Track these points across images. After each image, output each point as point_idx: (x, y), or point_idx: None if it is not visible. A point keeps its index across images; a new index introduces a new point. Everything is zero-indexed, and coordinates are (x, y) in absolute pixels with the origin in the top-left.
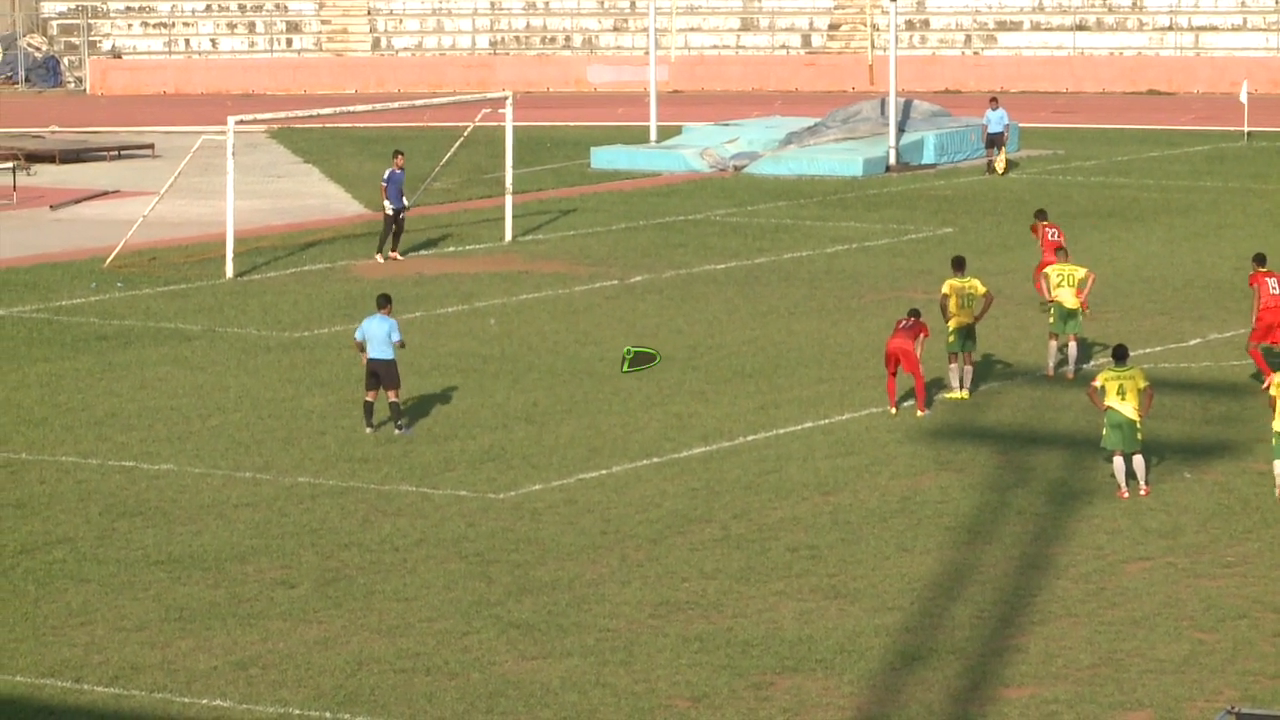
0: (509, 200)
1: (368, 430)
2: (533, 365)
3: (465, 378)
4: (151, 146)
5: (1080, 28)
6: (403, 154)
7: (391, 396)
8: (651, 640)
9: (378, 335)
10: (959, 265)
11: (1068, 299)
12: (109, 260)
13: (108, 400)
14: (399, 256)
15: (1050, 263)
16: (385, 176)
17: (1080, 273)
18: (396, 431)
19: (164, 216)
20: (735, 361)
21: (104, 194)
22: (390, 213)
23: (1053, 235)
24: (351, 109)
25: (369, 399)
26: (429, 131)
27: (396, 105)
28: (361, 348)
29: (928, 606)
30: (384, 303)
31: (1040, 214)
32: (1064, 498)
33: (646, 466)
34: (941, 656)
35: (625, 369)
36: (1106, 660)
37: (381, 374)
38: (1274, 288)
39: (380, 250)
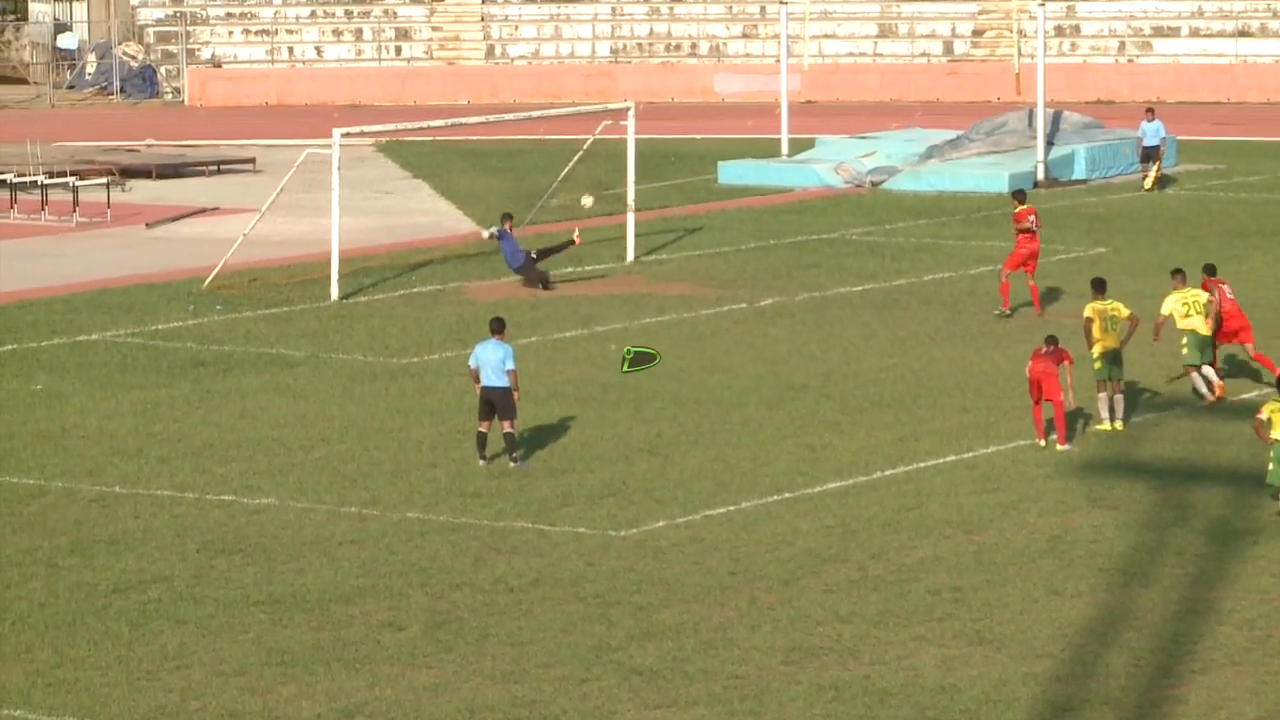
0: (631, 218)
1: (481, 463)
2: (656, 394)
3: (584, 407)
4: (252, 161)
5: (1243, 34)
6: (512, 218)
7: (506, 427)
8: (783, 688)
9: (491, 362)
10: (1100, 287)
11: (1201, 327)
12: (207, 281)
13: (205, 430)
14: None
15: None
16: (495, 233)
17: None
18: (511, 464)
19: (265, 235)
20: (872, 390)
21: (202, 211)
22: (521, 269)
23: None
24: (464, 121)
25: (482, 429)
26: (546, 144)
27: (512, 117)
28: (476, 376)
29: (1079, 654)
30: (498, 327)
31: (1209, 269)
32: (1226, 537)
33: (777, 502)
34: (1094, 708)
35: (625, 369)
36: (1274, 712)
37: (496, 403)
38: None
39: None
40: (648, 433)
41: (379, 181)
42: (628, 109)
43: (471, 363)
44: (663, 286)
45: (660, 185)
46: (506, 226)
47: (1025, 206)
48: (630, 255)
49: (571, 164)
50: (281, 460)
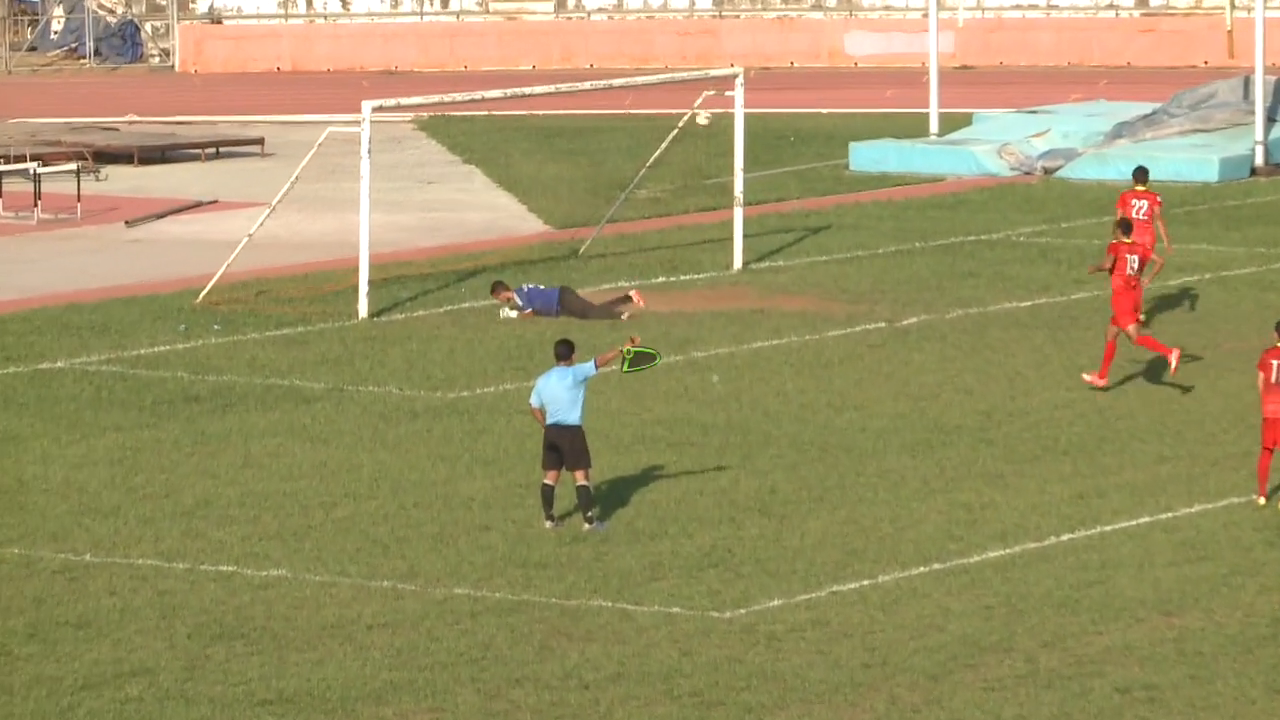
0: (739, 214)
1: (548, 525)
2: (770, 437)
3: (679, 454)
4: (260, 142)
5: None
6: (504, 290)
7: (580, 478)
8: None
9: (558, 395)
10: None
11: None
12: (203, 295)
13: (200, 483)
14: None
15: None
16: (525, 293)
17: None
18: (586, 527)
19: (276, 236)
20: (1044, 433)
21: (196, 206)
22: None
23: None
24: (528, 91)
25: (548, 481)
26: (631, 122)
27: (588, 86)
28: (540, 415)
29: None
30: (565, 352)
31: None
32: None
33: (924, 576)
34: None
35: (625, 369)
36: None
37: (564, 448)
38: None
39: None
40: (759, 487)
41: (420, 168)
42: (735, 76)
43: (534, 399)
44: (779, 301)
45: (776, 172)
46: (503, 297)
47: (1145, 188)
48: (738, 261)
49: (663, 146)
50: (296, 521)
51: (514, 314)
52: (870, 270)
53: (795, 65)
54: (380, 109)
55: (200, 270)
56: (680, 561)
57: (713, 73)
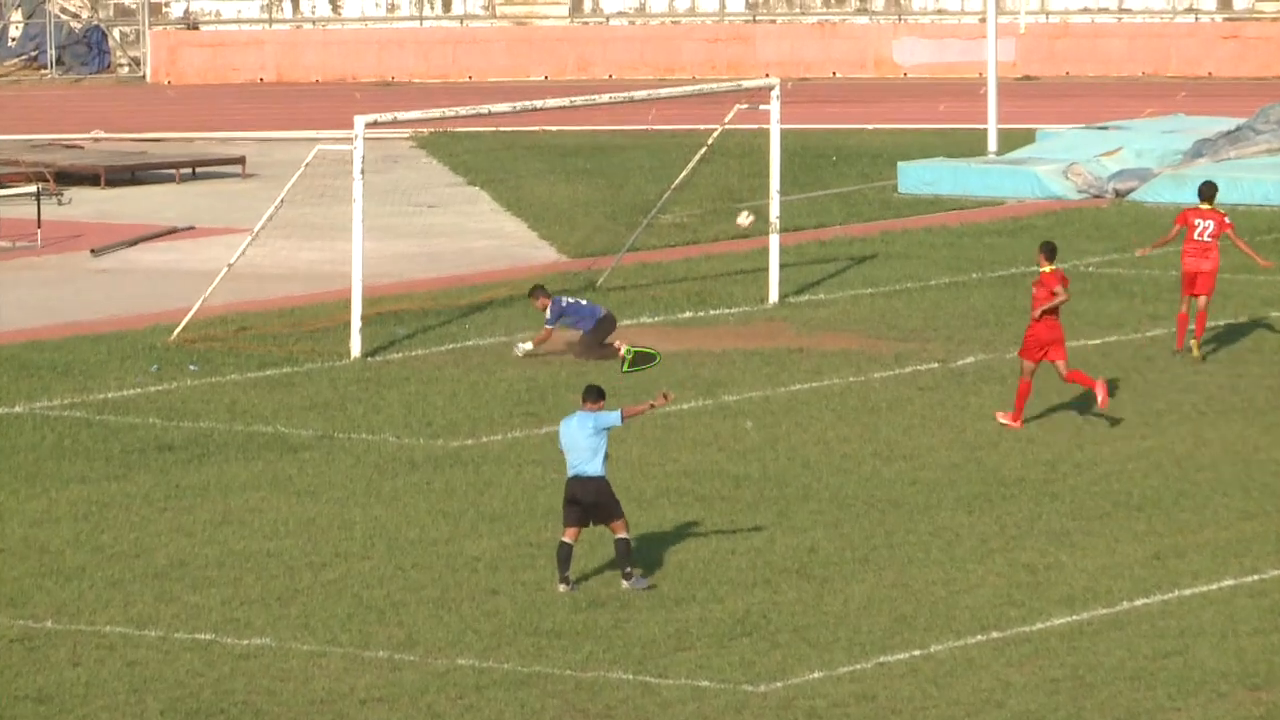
0: (774, 242)
1: (561, 587)
2: (809, 490)
3: (708, 509)
4: (241, 161)
5: None
6: (545, 295)
7: (618, 530)
8: None
9: (578, 442)
10: None
11: None
12: (177, 331)
13: (174, 541)
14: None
15: None
16: (561, 307)
17: None
18: (625, 584)
19: (259, 266)
20: (1116, 486)
21: (171, 232)
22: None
23: None
24: (540, 104)
25: (566, 539)
26: (654, 140)
27: (606, 99)
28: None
29: None
30: (593, 395)
31: None
32: None
33: (982, 645)
34: None
35: (625, 369)
36: None
37: (585, 502)
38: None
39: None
40: (798, 546)
41: (420, 190)
42: (770, 88)
43: (561, 444)
44: (819, 339)
45: (816, 195)
46: (541, 303)
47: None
48: (774, 294)
49: (691, 166)
50: (281, 584)
51: (528, 346)
52: (921, 304)
53: (837, 75)
54: (375, 124)
55: (174, 304)
56: (709, 629)
57: (746, 84)
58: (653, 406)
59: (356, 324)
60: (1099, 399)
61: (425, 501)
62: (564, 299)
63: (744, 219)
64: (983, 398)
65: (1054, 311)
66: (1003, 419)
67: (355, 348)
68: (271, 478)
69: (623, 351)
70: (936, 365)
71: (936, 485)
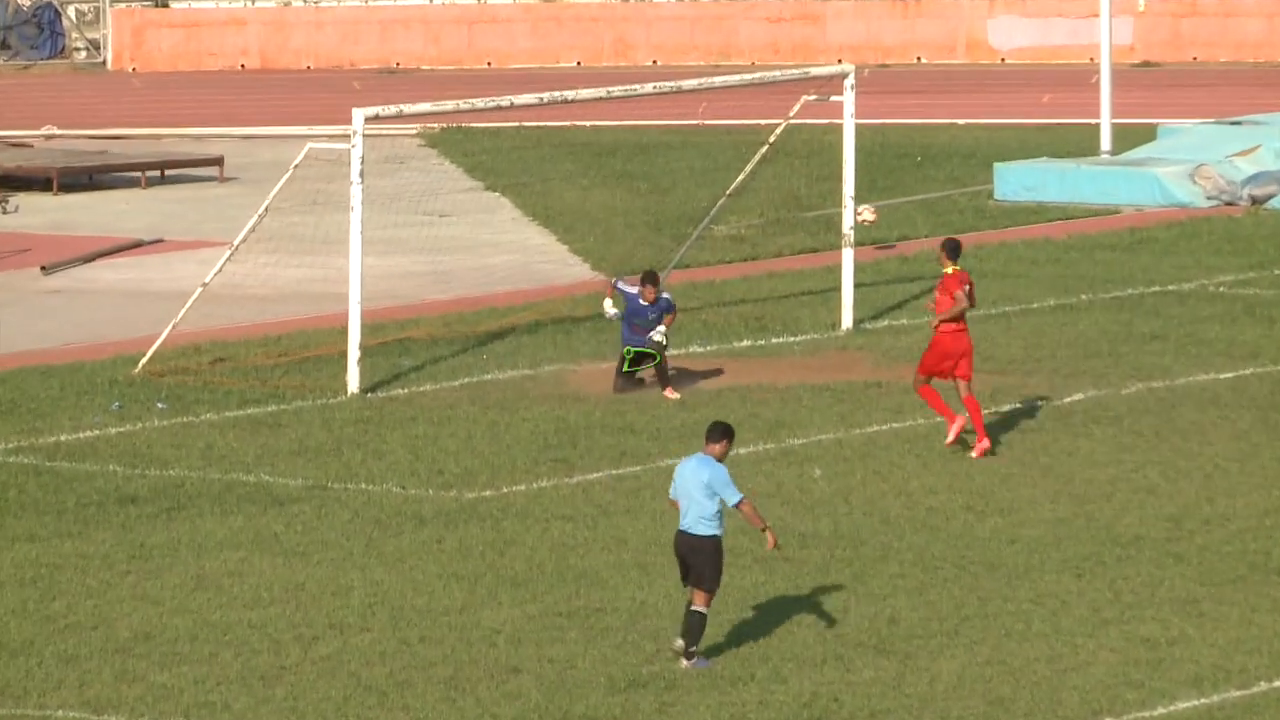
0: (848, 257)
1: (684, 663)
2: (889, 550)
3: (769, 572)
4: (219, 162)
5: None
6: (656, 285)
7: (697, 602)
8: None
9: (689, 491)
10: None
11: None
12: (143, 363)
13: (139, 610)
14: (674, 394)
15: None
16: (624, 292)
17: None
18: (684, 663)
19: (240, 286)
20: (1251, 546)
21: (135, 245)
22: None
23: None
24: (571, 96)
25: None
26: (706, 137)
27: (650, 89)
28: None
29: None
30: (715, 436)
31: None
32: None
33: None
34: None
35: (625, 369)
36: None
37: (692, 562)
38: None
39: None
40: (876, 616)
41: (429, 196)
42: (843, 76)
43: (671, 490)
44: (900, 371)
45: (898, 202)
46: (645, 295)
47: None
48: (847, 319)
49: (749, 168)
50: (265, 661)
51: (614, 313)
52: (1022, 331)
53: (922, 61)
54: (376, 119)
55: (139, 331)
56: (771, 714)
57: (814, 71)
58: (764, 530)
59: (354, 354)
60: (976, 448)
61: (435, 563)
62: (644, 311)
63: (866, 214)
64: (1094, 441)
65: (959, 320)
66: (954, 433)
67: (353, 382)
68: (254, 535)
69: (622, 353)
70: (1040, 402)
71: (1039, 544)
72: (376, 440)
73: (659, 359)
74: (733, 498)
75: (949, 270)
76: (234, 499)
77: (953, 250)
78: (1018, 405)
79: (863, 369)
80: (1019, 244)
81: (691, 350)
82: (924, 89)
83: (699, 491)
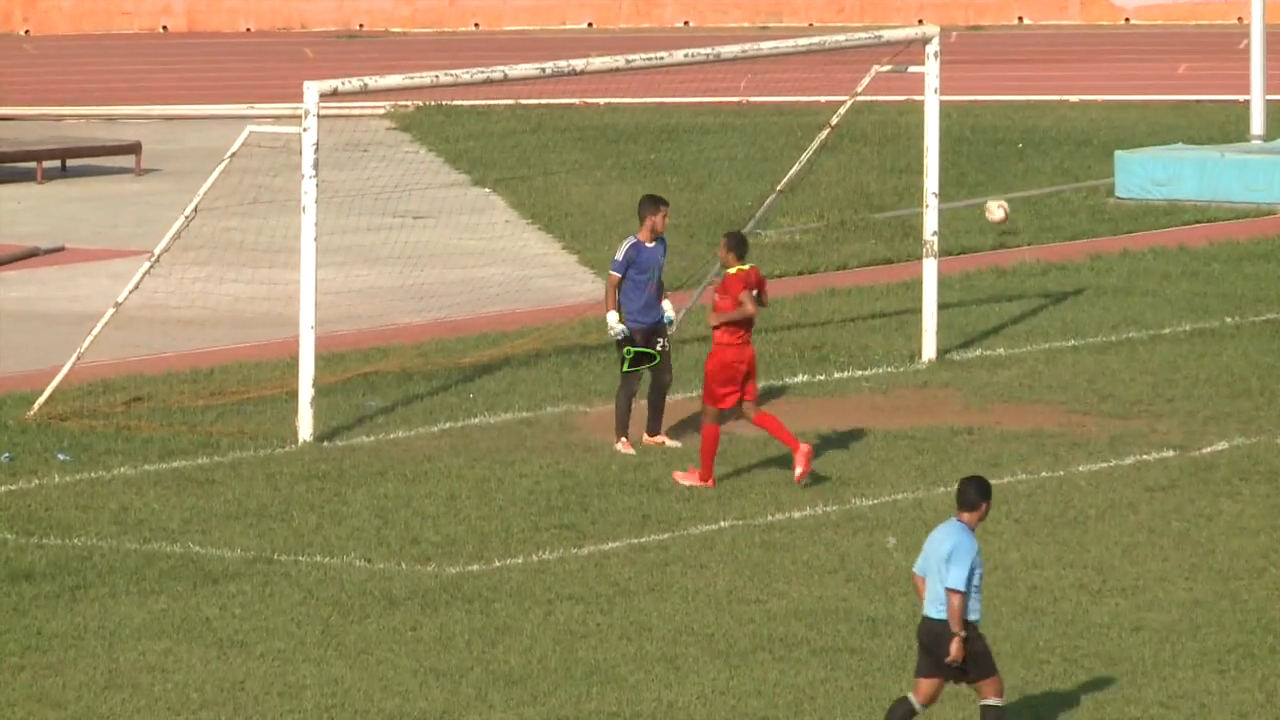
0: (931, 270)
1: None
2: (993, 638)
3: (831, 667)
4: (135, 149)
5: None
6: (666, 205)
7: (987, 693)
8: None
9: (931, 565)
10: None
11: None
12: (39, 404)
13: (35, 715)
14: (668, 441)
15: None
16: (622, 254)
17: None
18: None
19: (162, 306)
20: None
21: (30, 256)
22: (623, 337)
23: None
24: (579, 66)
25: (909, 695)
26: (752, 116)
27: (681, 58)
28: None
29: None
30: (967, 503)
31: None
32: None
33: None
34: None
35: (625, 369)
36: None
37: (924, 644)
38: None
39: (625, 431)
40: (968, 718)
41: (402, 193)
42: (925, 41)
43: (918, 564)
44: (997, 414)
45: (994, 200)
46: (652, 224)
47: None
48: (929, 348)
49: (805, 158)
50: None
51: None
52: (1150, 364)
53: (1024, 22)
54: (334, 95)
55: (33, 363)
56: None
57: (888, 34)
58: (954, 637)
59: (306, 392)
60: (796, 470)
61: (409, 656)
62: (653, 256)
63: (996, 211)
64: (1242, 503)
65: (744, 327)
66: (684, 480)
67: (305, 428)
68: (180, 621)
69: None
70: (1172, 454)
71: (1172, 633)
72: (335, 501)
73: (659, 359)
74: (954, 580)
75: (733, 270)
76: (155, 575)
77: (738, 245)
78: (1145, 457)
79: (949, 411)
80: (1146, 253)
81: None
82: (1027, 57)
83: (937, 564)
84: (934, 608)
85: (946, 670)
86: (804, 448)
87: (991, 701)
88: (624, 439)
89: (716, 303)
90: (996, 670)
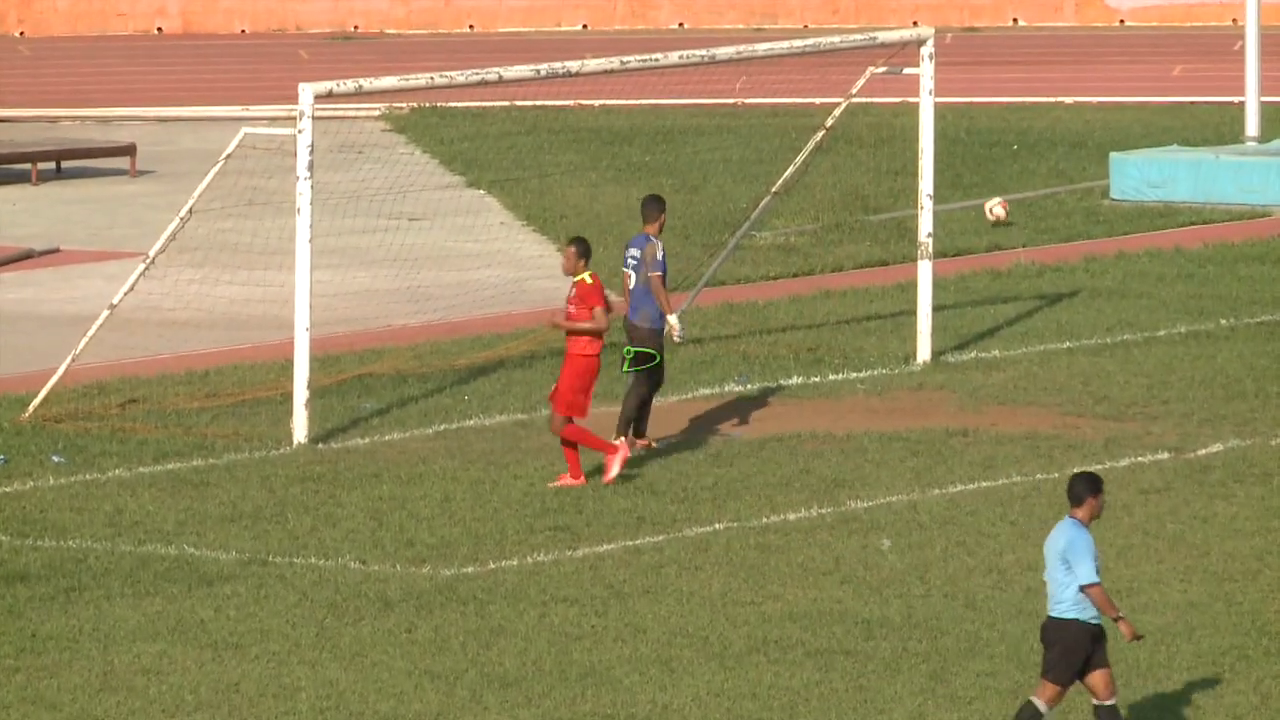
0: (926, 272)
1: None
2: (978, 642)
3: (826, 669)
4: (130, 151)
5: None
6: (663, 206)
7: (1100, 691)
8: None
9: (1049, 562)
10: None
11: None
12: (33, 406)
13: (30, 717)
14: (654, 444)
15: None
16: (661, 253)
17: None
18: None
19: (156, 308)
20: None
21: (25, 258)
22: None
23: None
24: (575, 69)
25: (1032, 698)
26: (747, 118)
27: (676, 59)
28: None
29: None
30: (1076, 497)
31: None
32: None
33: None
34: None
35: (625, 369)
36: None
37: (1050, 647)
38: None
39: (626, 431)
40: None
41: (397, 194)
42: (920, 43)
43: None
44: (991, 415)
45: (988, 203)
46: (650, 228)
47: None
48: (924, 350)
49: (799, 160)
50: None
51: (679, 331)
52: (1145, 365)
53: (1019, 23)
54: (329, 97)
55: (29, 365)
56: None
57: (883, 36)
58: (1118, 619)
59: (301, 394)
60: (610, 466)
61: (404, 658)
62: (652, 254)
63: (996, 209)
64: (1236, 505)
65: (599, 337)
66: (562, 483)
67: (300, 430)
68: (175, 623)
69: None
70: (1167, 456)
71: (1167, 635)
72: (330, 503)
73: (658, 358)
74: (1085, 575)
75: (587, 277)
76: (150, 577)
77: (587, 251)
78: (1139, 459)
79: (944, 413)
80: (1141, 255)
81: (725, 389)
82: (1022, 59)
83: (1055, 563)
84: (1051, 604)
85: (1059, 670)
86: (618, 452)
87: (1103, 701)
88: (625, 438)
89: (572, 312)
90: (1063, 679)
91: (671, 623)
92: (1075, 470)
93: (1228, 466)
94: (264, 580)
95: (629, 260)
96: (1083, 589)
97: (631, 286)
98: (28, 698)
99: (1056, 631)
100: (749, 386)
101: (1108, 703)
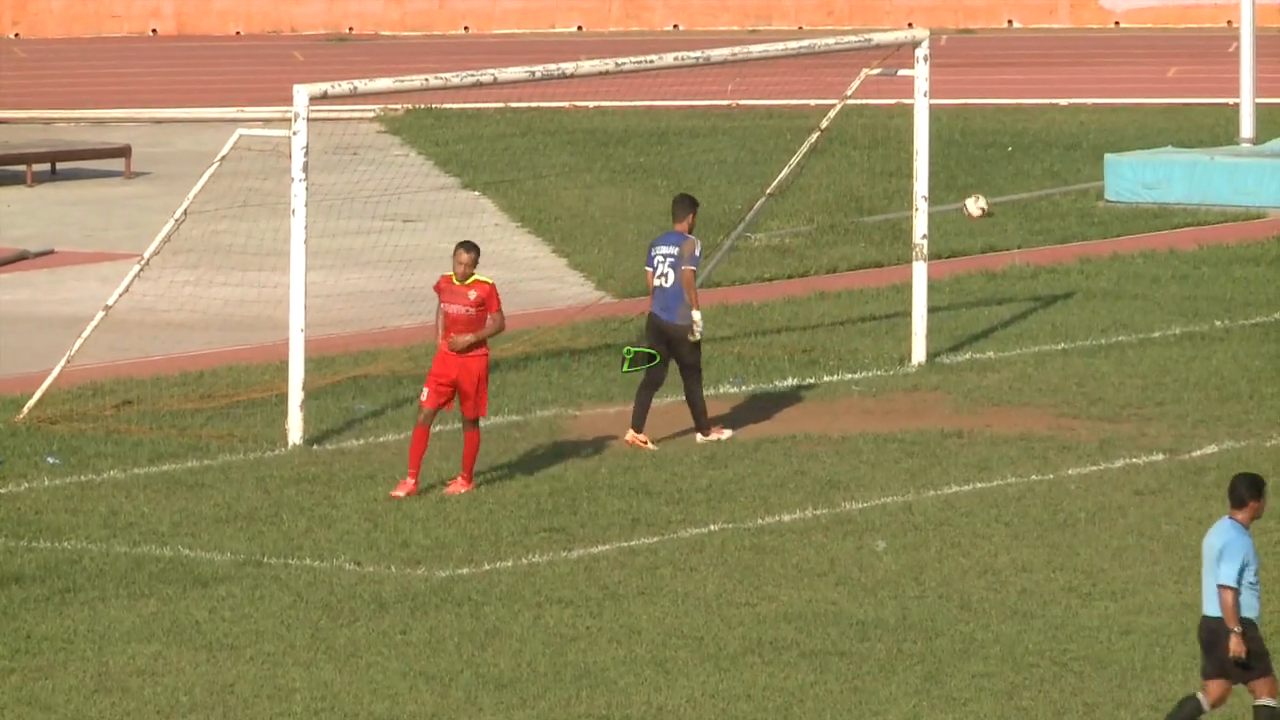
0: (921, 274)
1: None
2: (972, 644)
3: (820, 671)
4: (125, 153)
5: None
6: (694, 206)
7: (1261, 693)
8: None
9: (1207, 565)
10: None
11: None
12: (28, 407)
13: (27, 719)
14: (651, 445)
15: None
16: (699, 249)
17: None
18: None
19: (151, 309)
20: None
21: (20, 259)
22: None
23: None
24: (570, 70)
25: (1198, 694)
26: (741, 120)
27: (671, 61)
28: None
29: None
30: (1238, 499)
31: None
32: None
33: None
34: None
35: (625, 369)
36: None
37: (1214, 649)
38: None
39: (703, 420)
40: None
41: (391, 196)
42: (914, 44)
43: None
44: (986, 416)
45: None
46: (682, 225)
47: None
48: (919, 352)
49: (794, 161)
50: None
51: (699, 327)
52: (1140, 367)
53: (1014, 25)
54: (324, 98)
55: (23, 366)
56: None
57: (877, 37)
58: (1231, 633)
59: (296, 396)
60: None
61: (399, 659)
62: (684, 248)
63: (973, 206)
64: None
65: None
66: (456, 489)
67: (295, 431)
68: (170, 624)
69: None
70: (1162, 457)
71: (1161, 636)
72: (325, 504)
73: (658, 358)
74: (1224, 575)
75: (487, 279)
76: (145, 578)
77: (474, 248)
78: (1134, 460)
79: (938, 415)
80: (1136, 256)
81: (721, 390)
82: (1016, 60)
83: (1212, 563)
84: (1210, 605)
85: (1229, 670)
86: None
87: (1265, 702)
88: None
89: (453, 314)
90: (1272, 670)
91: (666, 624)
92: (1238, 472)
93: (1222, 468)
94: (259, 581)
95: (659, 258)
96: (1218, 586)
97: (668, 285)
98: (23, 699)
99: (1215, 632)
100: (744, 388)
101: (1270, 702)
